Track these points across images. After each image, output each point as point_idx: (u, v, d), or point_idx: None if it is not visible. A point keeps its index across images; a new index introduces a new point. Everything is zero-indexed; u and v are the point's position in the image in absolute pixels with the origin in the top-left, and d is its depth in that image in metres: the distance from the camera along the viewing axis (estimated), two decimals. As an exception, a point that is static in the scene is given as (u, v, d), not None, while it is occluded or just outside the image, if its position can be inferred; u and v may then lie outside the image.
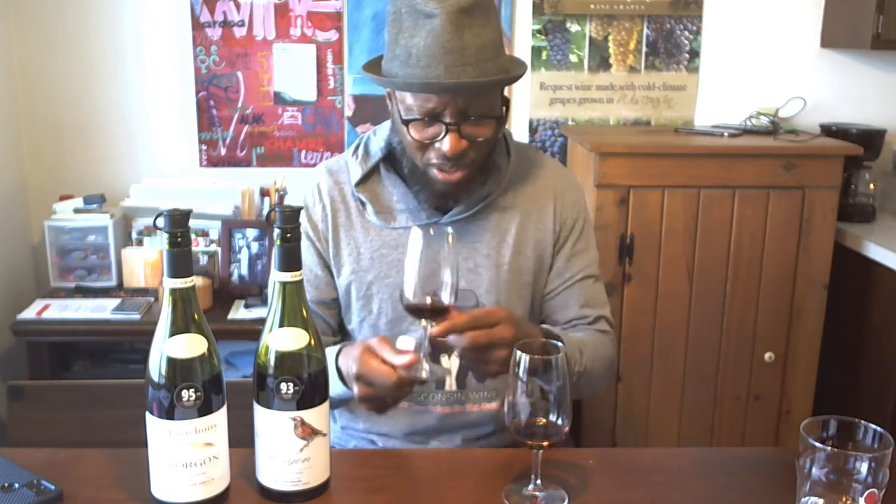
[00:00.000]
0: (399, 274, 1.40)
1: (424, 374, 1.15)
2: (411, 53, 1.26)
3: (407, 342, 1.42)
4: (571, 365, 1.34)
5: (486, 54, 1.27)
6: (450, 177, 1.34)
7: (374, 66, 1.38)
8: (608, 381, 1.53)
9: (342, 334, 1.53)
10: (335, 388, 1.32)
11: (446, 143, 1.29)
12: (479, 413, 1.46)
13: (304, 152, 2.83)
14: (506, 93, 1.41)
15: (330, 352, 1.34)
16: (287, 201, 2.69)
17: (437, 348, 1.38)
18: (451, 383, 1.44)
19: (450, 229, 1.17)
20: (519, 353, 1.05)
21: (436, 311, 1.14)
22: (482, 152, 1.35)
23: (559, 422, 1.06)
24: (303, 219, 1.44)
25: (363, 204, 1.44)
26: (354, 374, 1.20)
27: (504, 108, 1.38)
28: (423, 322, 1.15)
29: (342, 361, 1.30)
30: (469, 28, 1.25)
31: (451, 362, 1.42)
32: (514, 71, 1.36)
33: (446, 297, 1.13)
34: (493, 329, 1.17)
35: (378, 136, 1.46)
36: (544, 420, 1.06)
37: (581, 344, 1.39)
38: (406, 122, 1.31)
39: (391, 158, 1.44)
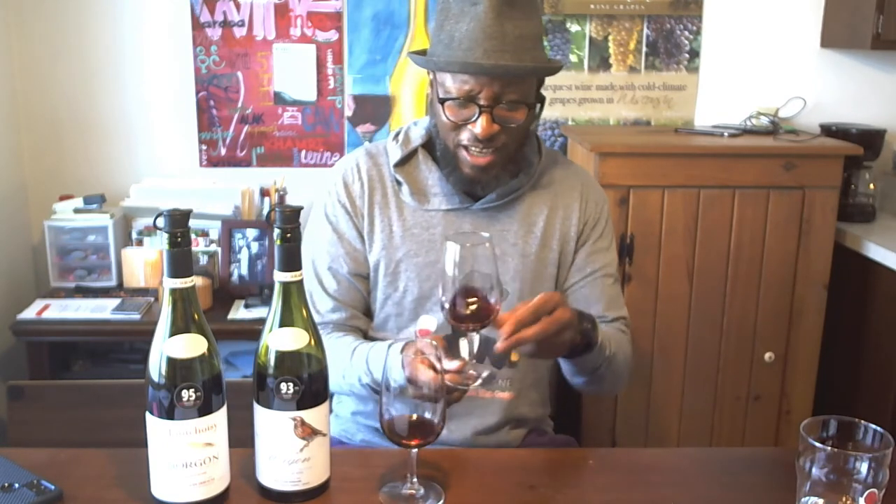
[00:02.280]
0: (428, 254, 1.47)
1: (475, 379, 1.16)
2: (454, 37, 1.34)
3: (428, 321, 1.43)
4: (603, 349, 1.38)
5: (524, 44, 1.34)
6: (479, 160, 1.40)
7: (420, 53, 1.46)
8: (627, 381, 1.56)
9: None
10: (398, 374, 1.33)
11: (478, 125, 1.36)
12: (491, 401, 1.49)
13: (304, 152, 2.83)
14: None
15: (382, 344, 1.37)
16: (287, 201, 2.69)
17: (456, 332, 1.39)
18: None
19: (486, 234, 1.22)
20: None
21: (481, 317, 1.14)
22: (512, 139, 1.41)
23: (436, 420, 1.06)
24: (342, 195, 1.50)
25: (399, 184, 1.50)
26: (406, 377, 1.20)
27: (539, 105, 1.45)
28: (471, 330, 1.15)
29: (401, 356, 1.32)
30: (510, 18, 1.32)
31: (474, 343, 1.45)
32: (550, 64, 1.43)
33: (492, 300, 1.13)
34: (553, 314, 1.21)
35: (419, 126, 1.54)
36: (415, 416, 1.06)
37: (606, 333, 1.43)
38: (442, 101, 1.38)
39: (429, 146, 1.51)
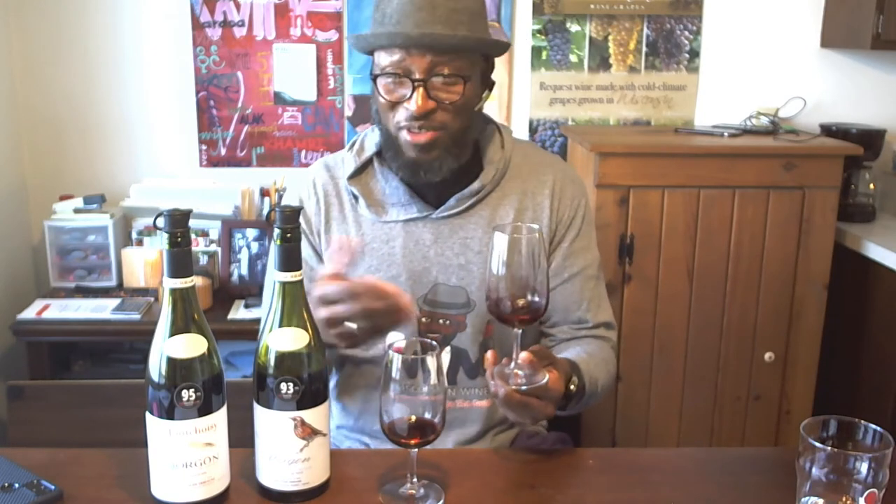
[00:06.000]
0: (389, 268, 1.42)
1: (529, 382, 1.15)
2: (385, 14, 1.31)
3: (397, 337, 1.43)
4: (594, 389, 1.36)
5: (458, 17, 1.30)
6: (418, 137, 1.34)
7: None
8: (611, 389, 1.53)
9: None
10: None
11: (413, 101, 1.31)
12: (469, 409, 1.46)
13: (304, 152, 2.83)
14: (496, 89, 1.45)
15: None
16: (286, 201, 2.69)
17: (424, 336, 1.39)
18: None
19: (537, 226, 1.17)
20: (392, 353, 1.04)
21: (531, 312, 1.13)
22: (452, 118, 1.34)
23: (436, 420, 1.05)
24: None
25: (356, 197, 1.45)
26: (315, 298, 1.19)
27: (488, 89, 1.40)
28: (515, 328, 1.14)
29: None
30: None
31: (444, 358, 1.43)
32: (486, 38, 1.36)
33: (540, 298, 1.12)
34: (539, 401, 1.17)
35: (375, 133, 1.47)
36: (414, 418, 1.05)
37: (595, 366, 1.39)
38: (375, 78, 1.34)
39: (385, 153, 1.45)
